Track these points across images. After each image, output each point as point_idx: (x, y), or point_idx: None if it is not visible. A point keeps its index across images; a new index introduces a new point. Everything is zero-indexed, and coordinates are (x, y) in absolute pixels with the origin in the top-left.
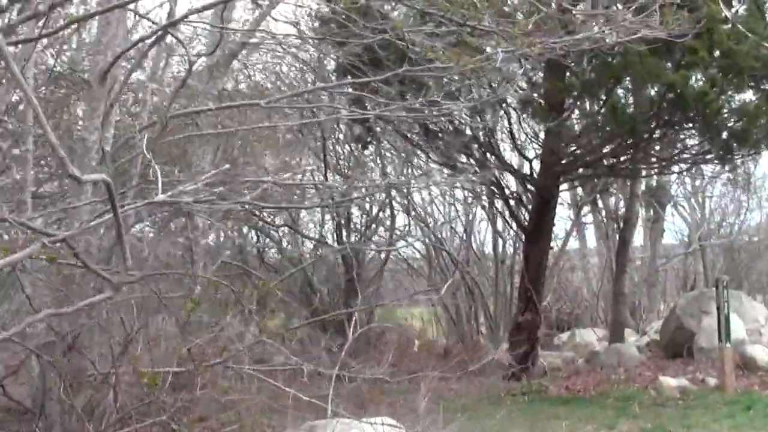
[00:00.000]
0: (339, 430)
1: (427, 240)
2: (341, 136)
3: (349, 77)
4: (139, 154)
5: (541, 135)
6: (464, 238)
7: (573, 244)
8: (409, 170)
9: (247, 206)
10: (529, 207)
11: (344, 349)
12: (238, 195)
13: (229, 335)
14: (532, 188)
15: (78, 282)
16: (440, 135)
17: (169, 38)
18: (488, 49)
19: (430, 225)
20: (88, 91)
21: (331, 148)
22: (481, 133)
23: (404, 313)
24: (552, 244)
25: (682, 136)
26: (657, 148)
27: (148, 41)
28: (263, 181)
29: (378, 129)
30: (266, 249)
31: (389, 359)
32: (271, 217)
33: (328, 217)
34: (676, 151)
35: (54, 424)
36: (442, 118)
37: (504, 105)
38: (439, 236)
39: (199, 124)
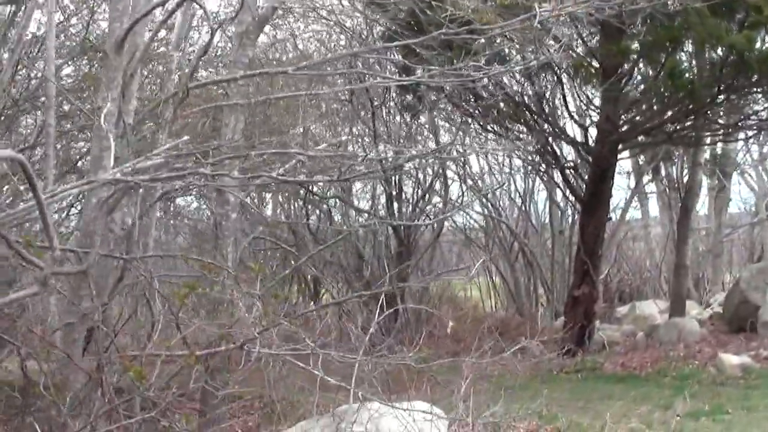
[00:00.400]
0: (370, 416)
1: (484, 211)
2: (392, 104)
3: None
4: (167, 123)
5: (598, 101)
6: (522, 209)
7: (635, 213)
8: (464, 139)
9: (270, 179)
10: (586, 177)
11: (369, 333)
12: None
13: (240, 319)
14: (589, 157)
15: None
16: (492, 102)
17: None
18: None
19: (483, 190)
20: (105, 61)
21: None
22: (533, 100)
23: (462, 285)
24: (611, 214)
25: (747, 101)
26: (720, 113)
27: (169, 6)
28: (286, 153)
29: (432, 98)
30: (318, 223)
31: (421, 341)
32: (322, 189)
33: (380, 190)
34: (741, 117)
35: (40, 419)
36: (492, 86)
37: (557, 70)
38: (497, 207)
39: (229, 94)
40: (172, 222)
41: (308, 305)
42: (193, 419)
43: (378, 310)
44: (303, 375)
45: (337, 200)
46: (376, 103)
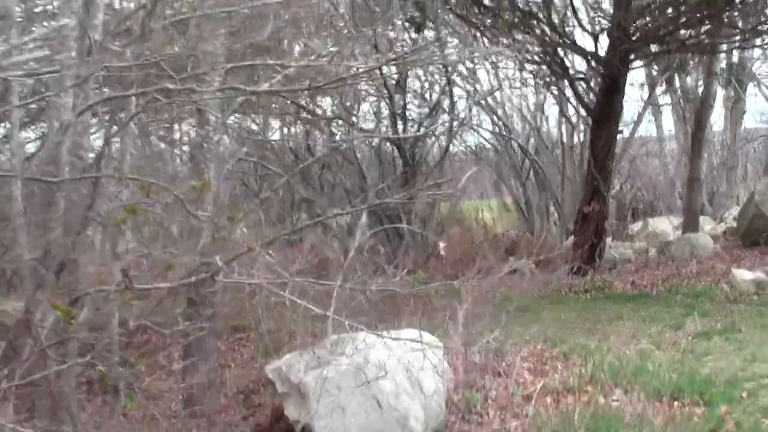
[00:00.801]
0: (356, 347)
1: (495, 129)
2: (398, 23)
3: None
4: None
5: (608, 8)
6: (533, 125)
7: (650, 128)
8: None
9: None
10: (597, 89)
11: (348, 258)
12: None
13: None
14: (599, 68)
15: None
16: (497, 11)
17: None
18: None
19: (474, 96)
20: None
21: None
22: (541, 7)
23: (474, 206)
24: (624, 129)
25: (765, 3)
26: (737, 17)
27: None
28: (265, 64)
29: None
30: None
31: (415, 263)
32: (324, 110)
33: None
34: (760, 20)
35: None
36: None
37: None
38: (507, 125)
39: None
40: (176, 152)
41: (316, 231)
42: (145, 360)
43: (358, 237)
44: (294, 306)
45: (339, 121)
46: (377, 17)
